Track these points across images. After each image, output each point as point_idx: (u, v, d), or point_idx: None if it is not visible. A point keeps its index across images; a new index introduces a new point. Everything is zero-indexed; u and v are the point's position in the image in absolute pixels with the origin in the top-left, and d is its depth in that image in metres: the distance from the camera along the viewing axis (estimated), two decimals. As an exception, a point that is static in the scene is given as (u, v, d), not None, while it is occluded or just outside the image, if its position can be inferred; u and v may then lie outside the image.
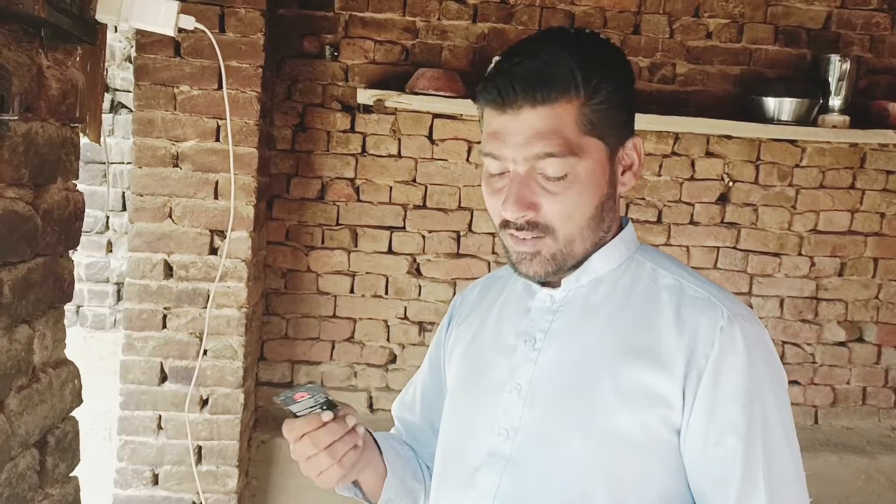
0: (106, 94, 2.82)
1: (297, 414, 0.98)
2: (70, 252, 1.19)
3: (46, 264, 1.11)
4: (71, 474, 1.20)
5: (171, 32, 1.34)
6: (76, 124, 1.18)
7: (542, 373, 0.98)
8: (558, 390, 0.96)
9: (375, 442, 1.12)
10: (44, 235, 1.09)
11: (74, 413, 1.21)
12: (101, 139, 2.35)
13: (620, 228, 1.03)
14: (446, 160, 2.84)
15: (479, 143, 2.81)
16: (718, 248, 2.96)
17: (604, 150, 0.94)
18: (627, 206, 2.90)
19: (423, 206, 2.86)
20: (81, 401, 1.22)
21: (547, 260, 0.96)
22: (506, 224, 0.95)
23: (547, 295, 1.01)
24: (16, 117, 0.95)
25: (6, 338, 1.00)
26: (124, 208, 2.95)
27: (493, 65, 0.97)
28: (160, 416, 2.46)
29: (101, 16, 1.24)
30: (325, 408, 0.97)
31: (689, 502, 0.94)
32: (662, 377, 0.91)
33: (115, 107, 2.95)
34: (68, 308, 2.79)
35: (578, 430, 0.93)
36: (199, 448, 2.49)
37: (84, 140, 2.37)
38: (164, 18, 1.32)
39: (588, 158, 0.92)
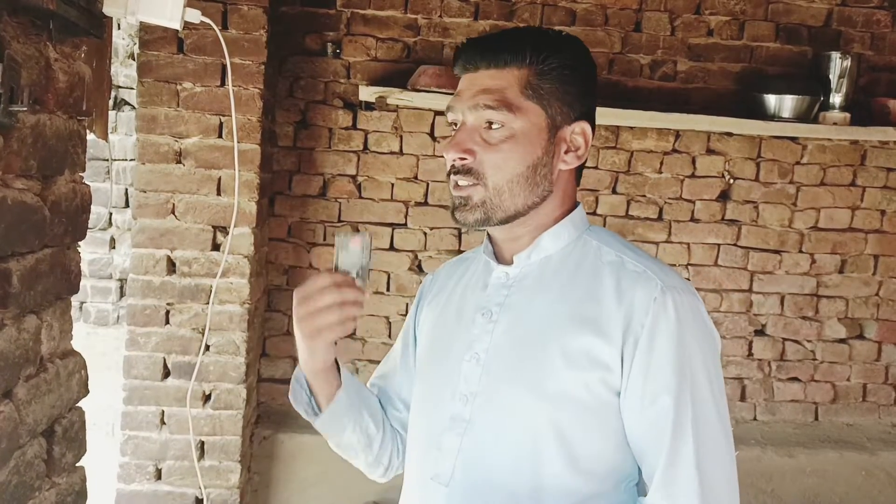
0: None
1: (339, 267, 1.08)
2: (77, 244, 1.20)
3: (54, 255, 1.12)
4: (77, 464, 1.20)
5: (177, 26, 1.35)
6: (83, 117, 1.19)
7: (497, 342, 1.07)
8: (512, 357, 1.06)
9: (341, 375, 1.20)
10: (51, 227, 1.10)
11: (81, 403, 1.22)
12: (107, 136, 2.37)
13: (571, 210, 1.13)
14: (448, 157, 2.84)
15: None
16: (719, 245, 2.97)
17: (543, 117, 1.05)
18: (628, 204, 2.91)
19: (425, 203, 2.87)
20: (88, 391, 1.23)
21: (477, 206, 1.05)
22: (450, 170, 1.07)
23: (502, 272, 1.11)
24: (25, 108, 0.96)
25: (15, 327, 1.01)
26: (127, 205, 2.96)
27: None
28: (163, 411, 2.47)
29: (108, 9, 1.25)
30: (360, 274, 1.09)
31: (621, 460, 1.03)
32: (604, 343, 1.00)
33: (119, 104, 2.95)
34: (71, 313, 2.80)
35: (529, 392, 1.02)
36: (202, 443, 2.50)
37: (90, 137, 2.40)
38: (171, 12, 1.33)
39: (524, 119, 1.04)
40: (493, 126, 1.03)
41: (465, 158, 1.04)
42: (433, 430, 1.09)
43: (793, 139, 2.92)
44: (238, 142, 2.38)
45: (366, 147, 2.83)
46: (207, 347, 2.47)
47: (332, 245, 2.96)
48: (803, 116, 2.71)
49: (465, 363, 1.08)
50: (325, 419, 1.17)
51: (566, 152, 1.08)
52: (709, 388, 1.00)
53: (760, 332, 3.02)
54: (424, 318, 1.25)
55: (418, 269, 2.90)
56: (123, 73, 2.93)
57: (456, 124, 1.08)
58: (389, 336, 2.91)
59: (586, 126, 1.08)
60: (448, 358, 1.12)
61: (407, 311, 2.88)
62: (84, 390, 1.22)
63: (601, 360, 1.00)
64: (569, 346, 1.01)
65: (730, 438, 1.01)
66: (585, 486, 1.01)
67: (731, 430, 1.02)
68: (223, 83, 2.39)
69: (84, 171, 1.20)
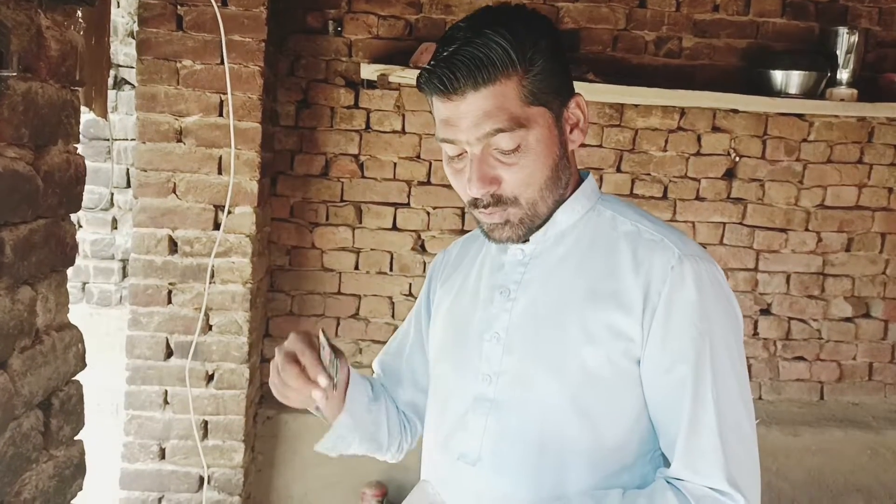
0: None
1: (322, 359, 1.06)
2: (71, 216, 1.19)
3: (48, 227, 1.11)
4: (76, 437, 1.20)
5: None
6: (76, 87, 1.17)
7: (517, 321, 1.06)
8: (532, 335, 1.05)
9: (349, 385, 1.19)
10: (45, 197, 1.08)
11: (78, 377, 1.21)
12: (107, 115, 2.35)
13: (580, 182, 1.11)
14: (451, 136, 2.82)
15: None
16: (724, 223, 2.94)
17: (549, 116, 1.01)
18: (633, 182, 2.88)
19: (428, 183, 2.85)
20: (85, 365, 1.22)
21: (516, 225, 1.03)
22: (474, 202, 1.02)
23: (518, 249, 1.09)
24: (14, 73, 0.94)
25: (8, 298, 1.00)
26: (128, 185, 2.95)
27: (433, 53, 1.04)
28: (166, 391, 2.47)
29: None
30: (331, 363, 1.07)
31: (644, 433, 1.02)
32: (624, 315, 0.99)
33: (118, 83, 2.94)
34: (74, 285, 2.81)
35: (551, 370, 1.02)
36: (205, 423, 2.50)
37: (90, 116, 2.38)
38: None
39: (536, 127, 0.99)
40: (508, 147, 0.98)
41: (490, 189, 1.00)
42: (458, 410, 1.09)
43: (799, 116, 2.89)
44: (239, 120, 2.37)
45: (368, 126, 2.81)
46: (210, 327, 2.47)
47: (335, 225, 2.94)
48: (810, 93, 2.68)
49: (485, 343, 1.08)
50: (326, 444, 1.17)
51: (571, 132, 1.06)
52: (728, 358, 0.98)
53: (766, 312, 3.00)
54: (439, 298, 1.24)
55: (421, 248, 2.88)
56: (123, 51, 2.91)
57: (458, 154, 1.02)
58: (393, 316, 2.90)
59: (579, 98, 1.06)
60: (468, 338, 1.11)
61: (410, 292, 2.87)
62: (81, 364, 1.21)
63: (623, 332, 0.99)
64: (589, 322, 1.00)
65: (751, 412, 0.99)
66: (611, 461, 1.01)
67: (752, 403, 1.00)
68: (223, 61, 2.37)
69: (78, 141, 1.18)
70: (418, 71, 2.85)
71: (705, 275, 0.99)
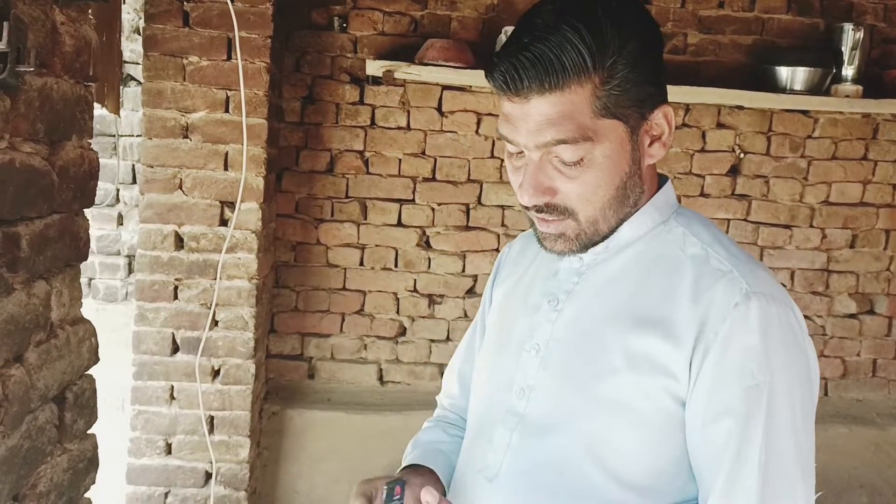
0: (114, 67, 2.81)
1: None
2: (85, 211, 1.19)
3: (62, 221, 1.11)
4: (89, 431, 1.21)
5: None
6: (90, 83, 1.18)
7: (558, 334, 0.99)
8: (570, 352, 0.97)
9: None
10: (60, 192, 1.09)
11: (91, 371, 1.22)
12: (119, 111, 2.36)
13: (659, 187, 1.01)
14: (456, 132, 2.83)
15: (488, 115, 2.81)
16: (729, 220, 2.95)
17: (623, 129, 0.91)
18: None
19: (433, 179, 2.85)
20: (98, 359, 1.23)
21: (571, 240, 0.95)
22: (528, 207, 0.95)
23: (576, 257, 1.01)
24: (31, 69, 0.95)
25: (24, 292, 1.01)
26: (135, 181, 2.96)
27: (503, 39, 0.93)
28: (172, 386, 2.48)
29: (112, -26, 1.23)
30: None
31: (683, 480, 0.92)
32: (671, 347, 0.89)
33: (125, 79, 2.94)
34: (80, 280, 2.80)
35: (582, 393, 0.94)
36: (212, 418, 2.51)
37: (99, 111, 2.38)
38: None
39: (605, 141, 0.89)
40: (570, 159, 0.89)
41: (543, 199, 0.92)
42: (489, 421, 1.03)
43: (804, 112, 2.89)
44: (245, 116, 2.37)
45: (373, 122, 2.81)
46: (216, 323, 2.47)
47: (340, 221, 2.94)
48: (815, 89, 2.68)
49: (524, 353, 1.01)
50: None
51: (650, 144, 0.94)
52: (789, 417, 0.86)
53: (770, 308, 3.01)
54: (495, 298, 1.18)
55: (426, 245, 2.89)
56: (129, 47, 2.92)
57: (519, 151, 0.94)
58: (397, 312, 2.91)
59: (667, 109, 0.94)
60: (510, 346, 1.04)
61: (415, 288, 2.88)
62: (94, 358, 1.22)
63: (666, 367, 0.89)
64: (632, 347, 0.91)
65: (809, 483, 0.87)
66: (633, 501, 0.91)
67: (813, 474, 0.88)
68: (229, 57, 2.37)
69: (91, 137, 1.19)
70: (423, 67, 2.81)
71: (776, 318, 0.87)
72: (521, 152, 0.93)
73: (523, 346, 1.02)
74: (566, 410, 0.95)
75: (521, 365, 1.01)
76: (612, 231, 0.97)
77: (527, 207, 0.95)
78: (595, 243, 0.97)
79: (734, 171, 2.93)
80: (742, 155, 2.91)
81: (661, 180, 1.02)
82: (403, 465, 1.15)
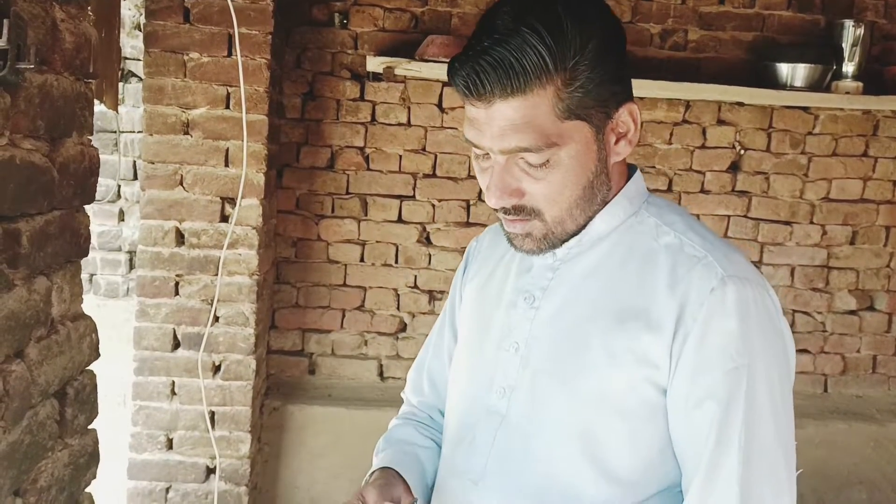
0: (115, 63, 2.82)
1: None
2: (85, 207, 1.20)
3: (63, 218, 1.12)
4: (90, 427, 1.21)
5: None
6: (90, 80, 1.18)
7: (537, 332, 0.99)
8: (552, 350, 0.97)
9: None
10: (60, 189, 1.09)
11: (92, 367, 1.23)
12: (117, 107, 2.36)
13: (628, 178, 1.01)
14: (456, 128, 2.83)
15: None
16: (729, 216, 2.95)
17: (588, 129, 0.90)
18: (638, 175, 2.88)
19: (433, 175, 2.86)
20: (99, 355, 1.23)
21: (539, 240, 0.96)
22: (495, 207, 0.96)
23: (549, 252, 1.00)
24: (32, 66, 0.95)
25: (25, 288, 1.01)
26: (135, 177, 2.96)
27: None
28: (173, 381, 2.49)
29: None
30: None
31: (668, 468, 0.93)
32: (653, 337, 0.90)
33: (126, 75, 2.95)
34: (81, 277, 2.80)
35: (567, 391, 0.94)
36: (212, 413, 2.52)
37: (99, 108, 2.39)
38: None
39: (570, 143, 0.89)
40: (536, 162, 0.89)
41: (510, 201, 0.92)
42: (469, 422, 1.03)
43: (805, 109, 2.89)
44: (245, 112, 2.37)
45: (373, 118, 2.82)
46: (217, 319, 2.48)
47: (341, 218, 2.95)
48: (815, 86, 2.68)
49: (503, 352, 1.00)
50: None
51: (616, 142, 0.94)
52: (768, 399, 0.87)
53: (770, 304, 3.01)
54: (467, 294, 1.16)
55: (426, 241, 2.89)
56: (130, 44, 2.93)
57: (485, 153, 0.94)
58: (398, 308, 2.91)
59: (632, 106, 0.93)
60: (487, 344, 1.04)
61: (415, 284, 2.89)
62: (95, 353, 1.23)
63: (648, 358, 0.90)
64: (614, 342, 0.91)
65: (791, 462, 0.89)
66: (622, 496, 0.92)
67: (794, 453, 0.90)
68: (230, 53, 2.38)
69: (92, 133, 1.19)
70: (423, 63, 2.81)
71: (752, 301, 0.88)
72: (487, 154, 0.93)
73: (501, 345, 1.01)
74: (552, 410, 0.95)
75: (500, 364, 1.00)
76: (581, 229, 0.97)
77: (495, 209, 0.95)
78: (564, 241, 0.98)
79: (734, 168, 2.93)
80: (742, 151, 2.91)
81: (630, 170, 1.02)
82: (375, 464, 1.14)
